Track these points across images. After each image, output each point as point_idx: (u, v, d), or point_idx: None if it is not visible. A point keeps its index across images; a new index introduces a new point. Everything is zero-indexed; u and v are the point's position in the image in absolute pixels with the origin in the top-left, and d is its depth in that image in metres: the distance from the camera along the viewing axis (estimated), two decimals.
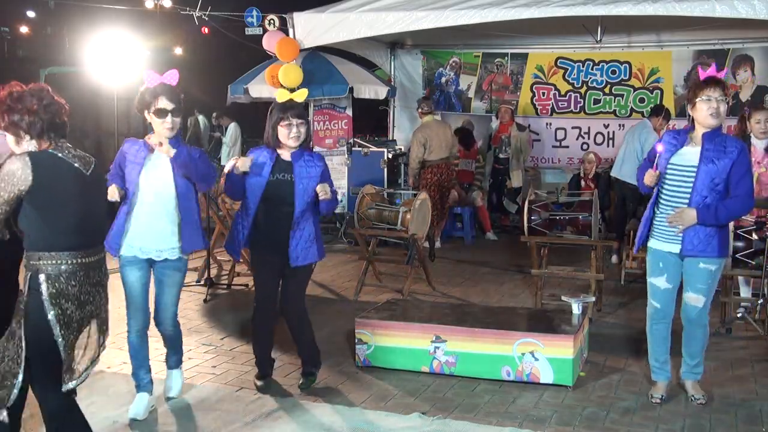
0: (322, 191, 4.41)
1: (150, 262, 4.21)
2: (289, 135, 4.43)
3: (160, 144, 4.09)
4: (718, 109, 4.15)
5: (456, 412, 4.35)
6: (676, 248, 4.29)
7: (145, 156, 4.16)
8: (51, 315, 3.01)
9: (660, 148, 4.33)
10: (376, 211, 7.19)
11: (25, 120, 3.04)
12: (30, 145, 3.09)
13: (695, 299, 4.32)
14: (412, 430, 4.13)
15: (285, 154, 4.51)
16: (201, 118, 13.01)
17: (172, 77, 4.21)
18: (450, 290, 7.32)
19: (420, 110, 9.26)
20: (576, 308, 5.10)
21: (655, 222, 4.40)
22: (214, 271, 7.56)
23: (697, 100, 4.20)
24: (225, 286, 7.37)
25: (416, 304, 6.30)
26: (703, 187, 4.16)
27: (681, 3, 6.77)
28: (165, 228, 4.17)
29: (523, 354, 4.72)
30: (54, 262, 3.03)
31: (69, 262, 3.05)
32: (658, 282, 4.43)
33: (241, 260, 7.60)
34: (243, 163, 4.37)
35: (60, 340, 3.04)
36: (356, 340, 5.09)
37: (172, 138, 4.17)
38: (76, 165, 3.10)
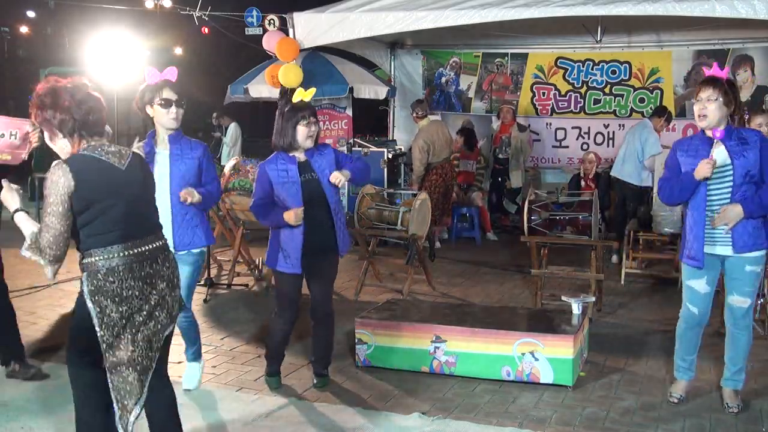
0: (336, 179, 4.43)
1: None
2: (307, 135, 4.45)
3: (187, 198, 4.28)
4: (706, 110, 4.12)
5: (456, 412, 4.35)
6: (725, 249, 4.19)
7: (151, 158, 4.31)
8: (93, 313, 2.99)
9: (679, 158, 4.25)
10: (376, 211, 7.19)
11: (57, 118, 3.00)
12: (63, 142, 3.05)
13: (741, 301, 4.25)
14: (412, 430, 4.13)
15: (300, 156, 4.51)
16: (234, 125, 12.96)
17: (172, 74, 4.34)
18: (450, 290, 7.32)
19: (415, 114, 9.11)
20: (576, 308, 5.10)
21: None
22: (214, 271, 7.56)
23: (694, 102, 4.24)
24: (225, 286, 7.37)
25: (416, 304, 6.30)
26: (741, 182, 4.10)
27: (681, 3, 6.77)
28: (166, 225, 4.16)
29: (523, 354, 4.72)
30: (95, 259, 3.00)
31: (108, 257, 3.00)
32: (698, 285, 4.31)
33: (241, 261, 7.63)
34: (298, 218, 4.34)
35: (100, 339, 3.00)
36: (356, 340, 5.09)
37: (173, 132, 4.36)
38: (111, 162, 3.06)
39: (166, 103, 4.29)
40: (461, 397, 4.57)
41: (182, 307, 3.33)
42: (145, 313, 3.08)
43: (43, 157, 4.88)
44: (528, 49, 11.02)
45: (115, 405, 3.06)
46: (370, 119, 13.39)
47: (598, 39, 9.76)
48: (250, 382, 4.84)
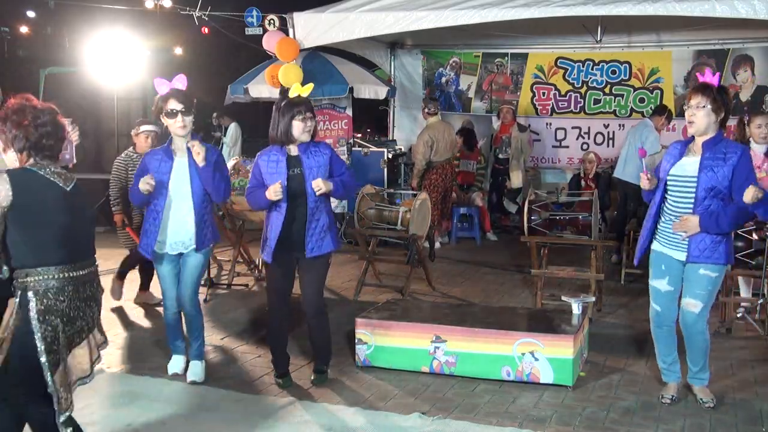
0: (316, 186, 4.49)
1: (178, 256, 4.73)
2: (303, 129, 4.54)
3: (197, 154, 4.52)
4: (694, 116, 4.16)
5: (456, 412, 4.35)
6: (681, 255, 4.29)
7: (170, 166, 4.61)
8: (38, 332, 3.01)
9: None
10: (376, 211, 7.19)
11: (12, 133, 3.10)
12: (12, 156, 3.14)
13: (693, 305, 4.30)
14: (412, 430, 4.13)
15: (293, 150, 4.61)
16: (234, 125, 12.96)
17: (181, 81, 4.60)
18: (450, 290, 7.32)
19: (427, 111, 9.30)
20: (576, 308, 5.10)
21: (659, 227, 4.41)
22: (213, 271, 7.56)
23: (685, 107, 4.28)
24: (225, 286, 7.36)
25: (416, 304, 6.30)
26: (704, 196, 4.15)
27: (681, 3, 6.76)
28: (188, 227, 4.64)
29: (523, 354, 4.72)
30: (41, 277, 3.03)
31: (57, 276, 3.05)
32: (659, 285, 4.43)
33: (241, 261, 7.63)
34: (276, 193, 4.48)
35: (44, 359, 3.02)
36: (356, 340, 5.09)
37: (191, 138, 4.60)
38: (54, 180, 3.12)
39: (172, 114, 4.54)
40: (461, 397, 4.57)
41: (103, 332, 3.38)
42: (84, 334, 3.19)
43: None
44: (528, 49, 11.01)
45: (55, 398, 3.08)
46: (371, 119, 13.38)
47: (598, 39, 9.76)
48: (250, 382, 4.84)
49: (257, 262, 7.60)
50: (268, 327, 4.88)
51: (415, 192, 7.81)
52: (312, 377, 4.82)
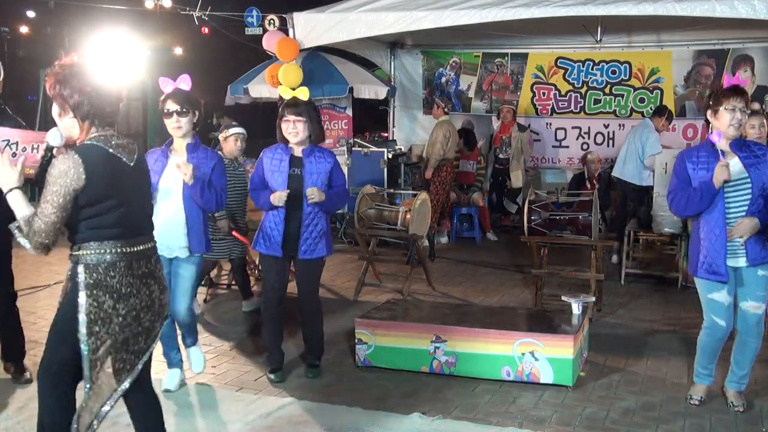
0: (311, 195, 4.61)
1: (168, 259, 4.50)
2: (286, 130, 4.67)
3: (185, 174, 4.40)
4: (741, 120, 4.09)
5: (456, 412, 4.35)
6: (740, 261, 4.17)
7: (164, 165, 4.52)
8: (82, 307, 2.90)
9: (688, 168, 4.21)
10: (376, 211, 7.19)
11: (74, 98, 2.95)
12: (71, 122, 3.00)
13: (756, 307, 4.22)
14: (412, 431, 4.13)
15: (297, 151, 4.73)
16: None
17: (185, 81, 4.59)
18: (450, 290, 7.32)
19: (440, 109, 9.49)
20: (576, 308, 5.10)
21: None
22: (213, 272, 7.55)
23: (721, 108, 4.10)
24: (225, 286, 7.37)
25: (416, 304, 6.30)
26: (758, 194, 4.09)
27: (681, 3, 6.77)
28: (176, 229, 4.47)
29: (523, 354, 4.72)
30: (93, 252, 2.94)
31: (110, 251, 2.96)
32: (721, 297, 4.23)
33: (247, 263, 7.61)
34: (280, 199, 4.59)
35: (83, 337, 2.92)
36: (356, 340, 5.09)
37: (191, 141, 4.58)
38: (120, 156, 3.01)
39: (168, 114, 4.52)
40: (461, 397, 4.57)
41: (168, 312, 3.28)
42: (134, 313, 3.03)
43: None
44: (528, 49, 11.01)
45: (77, 405, 3.02)
46: (370, 119, 13.38)
47: (598, 39, 9.75)
48: (250, 382, 4.85)
49: (257, 262, 7.59)
50: (262, 321, 4.96)
51: (415, 192, 7.81)
52: (307, 371, 4.95)
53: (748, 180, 4.09)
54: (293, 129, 4.65)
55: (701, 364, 4.48)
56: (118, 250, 2.99)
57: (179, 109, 4.49)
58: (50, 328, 3.08)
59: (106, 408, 3.03)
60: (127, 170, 3.04)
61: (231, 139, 6.35)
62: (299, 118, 4.63)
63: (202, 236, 4.55)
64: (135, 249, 3.05)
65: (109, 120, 3.05)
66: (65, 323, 2.99)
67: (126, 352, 3.02)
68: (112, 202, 2.97)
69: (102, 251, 2.96)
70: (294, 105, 4.68)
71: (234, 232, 6.20)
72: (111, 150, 2.99)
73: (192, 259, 4.55)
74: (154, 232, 4.01)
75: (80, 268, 2.95)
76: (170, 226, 4.45)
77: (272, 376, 4.84)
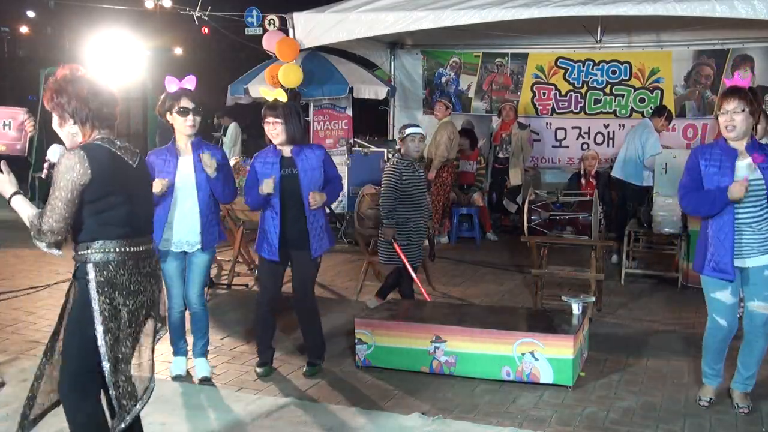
0: (312, 200, 4.68)
1: (184, 253, 4.75)
2: (268, 132, 4.77)
3: (209, 167, 4.57)
4: (734, 121, 4.06)
5: (456, 412, 4.35)
6: (747, 262, 4.15)
7: (174, 164, 4.64)
8: (96, 305, 2.95)
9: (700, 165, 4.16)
10: (376, 211, 7.19)
11: (72, 104, 3.03)
12: (73, 128, 3.07)
13: (763, 307, 4.20)
14: (412, 430, 4.13)
15: (286, 151, 4.79)
16: (234, 125, 12.98)
17: (191, 82, 4.66)
18: (450, 290, 7.32)
19: (444, 109, 9.52)
20: (576, 308, 5.10)
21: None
22: (213, 272, 7.56)
23: (718, 114, 4.13)
24: (225, 286, 7.37)
25: (416, 304, 6.29)
26: None
27: (681, 3, 6.77)
28: (192, 225, 4.67)
29: (523, 354, 4.72)
30: (103, 250, 3.00)
31: (118, 250, 3.02)
32: (724, 297, 4.24)
33: (241, 261, 7.62)
34: (268, 186, 4.65)
35: (101, 338, 2.94)
36: (356, 340, 5.09)
37: (194, 139, 4.69)
38: (123, 156, 3.10)
39: (184, 112, 4.59)
40: (461, 397, 4.57)
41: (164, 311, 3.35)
42: (144, 311, 3.12)
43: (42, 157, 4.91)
44: (528, 49, 11.02)
45: (115, 404, 3.04)
46: (370, 120, 13.38)
47: (598, 39, 9.76)
48: (251, 381, 4.85)
49: (257, 262, 7.59)
50: (254, 319, 5.06)
51: None
52: (304, 369, 4.96)
53: (761, 182, 4.06)
54: (273, 131, 4.73)
55: (708, 365, 4.47)
56: (124, 249, 3.05)
57: (195, 107, 4.61)
58: (66, 337, 3.08)
59: (138, 407, 3.09)
60: (130, 170, 3.11)
61: (407, 140, 6.00)
62: (278, 120, 4.71)
63: (216, 231, 4.77)
64: (139, 248, 3.11)
65: (108, 122, 3.13)
66: (82, 324, 2.99)
67: (125, 347, 3.07)
68: (117, 199, 3.03)
69: (109, 250, 3.01)
70: (273, 107, 4.74)
71: (395, 245, 5.90)
72: (114, 150, 3.07)
73: (205, 255, 4.78)
74: (173, 230, 4.34)
75: (89, 267, 2.99)
76: (186, 223, 4.65)
77: (259, 370, 4.95)
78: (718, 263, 4.16)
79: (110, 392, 3.03)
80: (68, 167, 2.91)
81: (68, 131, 3.09)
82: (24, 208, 3.00)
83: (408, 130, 6.03)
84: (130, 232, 3.07)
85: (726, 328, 4.29)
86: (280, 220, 4.73)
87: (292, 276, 4.94)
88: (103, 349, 2.98)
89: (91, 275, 2.98)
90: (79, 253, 3.04)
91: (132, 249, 3.06)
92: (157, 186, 4.48)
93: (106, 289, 2.98)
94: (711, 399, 4.44)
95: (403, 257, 5.88)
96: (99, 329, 2.96)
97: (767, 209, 4.12)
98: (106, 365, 2.99)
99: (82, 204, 2.97)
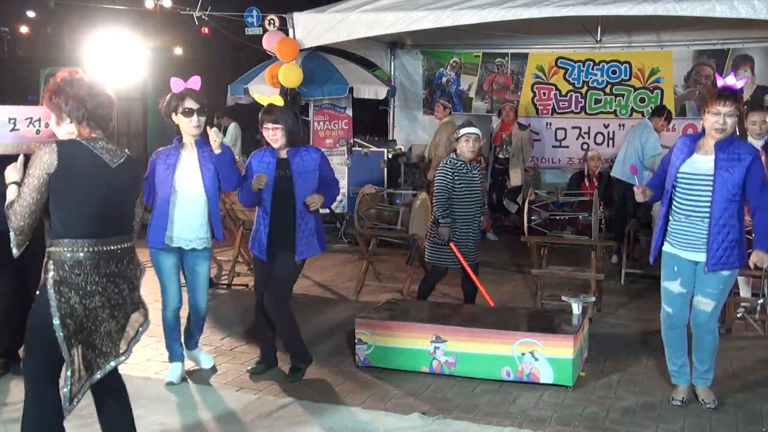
0: (311, 202, 4.67)
1: (179, 251, 4.70)
2: (268, 137, 4.76)
3: (213, 141, 4.59)
4: (725, 124, 4.11)
5: (456, 412, 4.35)
6: (692, 256, 4.26)
7: (177, 158, 4.63)
8: (53, 302, 3.01)
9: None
10: (376, 211, 7.19)
11: (69, 104, 3.13)
12: (70, 128, 3.16)
13: (705, 303, 4.28)
14: (412, 430, 4.13)
15: (282, 153, 4.78)
16: (234, 125, 12.98)
17: (195, 83, 4.65)
18: (450, 290, 7.31)
19: (444, 110, 9.53)
20: (576, 308, 5.10)
21: (670, 228, 4.37)
22: (214, 271, 7.56)
23: (707, 111, 4.16)
24: (225, 286, 7.37)
25: (416, 304, 6.28)
26: (722, 198, 4.13)
27: (681, 3, 6.77)
28: (195, 221, 4.66)
29: (523, 354, 4.72)
30: (64, 249, 3.04)
31: (80, 249, 3.05)
32: (671, 286, 4.39)
33: (241, 261, 7.63)
34: (258, 182, 4.67)
35: (59, 330, 3.00)
36: (356, 340, 5.09)
37: (198, 138, 4.67)
38: (101, 156, 3.14)
39: (189, 112, 4.58)
40: (461, 397, 4.57)
41: (146, 310, 3.33)
42: (107, 310, 3.13)
43: None
44: (528, 49, 11.02)
45: (69, 373, 3.06)
46: (371, 120, 13.37)
47: (598, 39, 9.77)
48: (250, 381, 4.85)
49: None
50: (256, 318, 5.06)
51: (415, 192, 7.81)
52: (287, 374, 4.91)
53: (709, 180, 4.15)
54: (273, 136, 4.72)
55: (669, 360, 4.55)
56: (89, 248, 3.08)
57: (200, 108, 4.61)
58: (28, 331, 3.14)
59: (80, 395, 3.13)
60: (105, 170, 3.14)
61: (463, 140, 5.95)
62: (277, 125, 4.69)
63: (221, 225, 4.80)
64: (107, 248, 3.13)
65: (103, 123, 3.21)
66: (41, 318, 3.05)
67: (95, 347, 3.11)
68: (82, 195, 3.08)
69: (73, 249, 3.06)
70: (270, 112, 4.72)
71: (452, 245, 5.90)
72: (93, 149, 3.13)
73: (206, 254, 4.77)
74: (174, 227, 4.40)
75: (50, 264, 3.06)
76: (189, 218, 4.63)
77: (250, 367, 5.00)
78: (654, 247, 4.46)
79: (66, 381, 3.07)
80: (38, 157, 3.03)
81: (65, 130, 3.18)
82: (9, 195, 3.09)
83: (462, 131, 5.98)
84: (98, 231, 3.10)
85: (672, 316, 4.41)
86: (270, 220, 4.74)
87: (270, 274, 4.85)
88: (63, 344, 3.02)
89: (50, 273, 3.05)
90: (48, 249, 3.10)
91: (94, 249, 3.08)
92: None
93: (61, 287, 3.03)
94: (684, 398, 4.46)
95: (461, 258, 5.90)
96: (56, 322, 3.01)
97: (728, 211, 4.17)
98: (65, 354, 3.03)
99: (50, 198, 3.04)
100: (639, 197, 4.49)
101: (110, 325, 3.14)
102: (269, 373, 4.96)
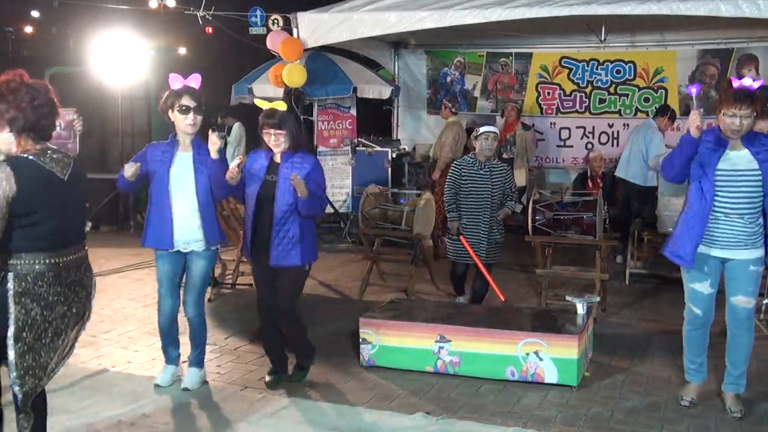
0: (297, 184, 4.40)
1: (180, 254, 4.59)
2: (269, 142, 4.63)
3: (214, 143, 4.44)
4: (742, 125, 4.05)
5: (460, 412, 4.35)
6: (721, 253, 4.20)
7: (171, 156, 4.54)
8: (12, 315, 2.99)
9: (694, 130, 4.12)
10: (380, 210, 7.19)
11: (10, 113, 3.05)
12: (8, 136, 3.09)
13: (745, 302, 4.23)
14: (416, 430, 4.13)
15: (277, 156, 4.66)
16: (238, 125, 12.98)
17: (195, 80, 4.58)
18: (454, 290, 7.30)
19: (450, 110, 9.46)
20: (581, 308, 5.09)
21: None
22: (217, 271, 7.56)
23: (723, 112, 4.08)
24: (229, 286, 7.37)
25: (420, 303, 6.29)
26: None
27: (685, 2, 6.75)
28: (191, 222, 4.53)
29: (527, 354, 4.72)
30: (24, 261, 3.03)
31: (40, 261, 3.04)
32: (701, 287, 4.31)
33: (245, 260, 7.62)
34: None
35: (11, 341, 2.98)
36: (360, 340, 5.09)
37: (195, 138, 4.58)
38: (54, 171, 3.11)
39: (185, 110, 4.50)
40: (465, 397, 4.57)
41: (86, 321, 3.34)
42: (66, 319, 3.14)
43: None
44: (532, 49, 11.01)
45: (16, 375, 3.04)
46: (375, 120, 13.37)
47: (602, 39, 9.73)
48: (254, 381, 4.85)
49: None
50: (259, 323, 4.90)
51: (419, 192, 7.80)
52: (290, 374, 4.86)
53: (746, 175, 4.08)
54: (275, 141, 4.58)
55: (688, 358, 4.50)
56: (48, 260, 3.07)
57: (196, 106, 4.53)
58: None
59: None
60: (59, 184, 3.13)
61: (482, 138, 6.03)
62: (280, 131, 4.56)
63: (216, 227, 4.64)
64: (65, 259, 3.13)
65: (44, 135, 3.15)
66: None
67: (49, 355, 3.11)
68: (43, 214, 3.06)
69: (32, 261, 3.04)
70: (271, 116, 4.58)
71: (462, 237, 6.07)
72: (43, 164, 3.08)
73: (206, 254, 4.62)
74: (173, 229, 4.32)
75: (10, 277, 3.03)
76: (184, 220, 4.52)
77: (267, 378, 4.79)
78: (678, 249, 4.30)
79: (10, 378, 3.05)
80: None
81: (5, 138, 3.11)
82: None
83: (482, 129, 6.13)
84: (55, 244, 3.10)
85: (701, 318, 4.35)
86: (253, 223, 4.64)
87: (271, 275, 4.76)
88: (11, 356, 3.00)
89: (10, 285, 3.02)
90: (6, 263, 3.06)
91: (54, 260, 3.09)
92: (128, 170, 4.41)
93: (23, 299, 3.01)
94: (693, 399, 4.44)
95: (470, 251, 6.03)
96: (10, 336, 2.99)
97: (754, 203, 4.12)
98: (12, 368, 3.01)
99: (10, 217, 2.99)
100: (694, 130, 4.07)
101: (62, 334, 3.14)
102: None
